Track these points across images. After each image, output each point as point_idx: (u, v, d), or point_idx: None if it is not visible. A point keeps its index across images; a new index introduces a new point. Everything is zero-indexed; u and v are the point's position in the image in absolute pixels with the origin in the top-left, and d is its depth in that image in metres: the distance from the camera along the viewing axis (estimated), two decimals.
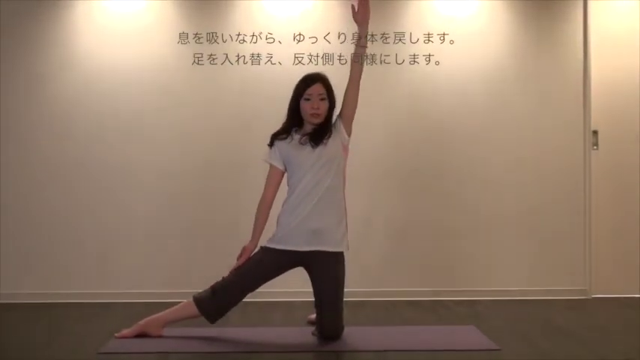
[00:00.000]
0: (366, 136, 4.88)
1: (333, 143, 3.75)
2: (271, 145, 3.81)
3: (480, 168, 5.04)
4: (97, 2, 4.96)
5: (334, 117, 3.82)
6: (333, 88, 3.80)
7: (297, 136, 3.77)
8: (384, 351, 3.56)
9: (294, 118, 3.78)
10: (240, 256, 3.78)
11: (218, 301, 3.71)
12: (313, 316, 4.03)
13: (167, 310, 3.82)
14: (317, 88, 3.72)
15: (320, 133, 3.74)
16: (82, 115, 4.95)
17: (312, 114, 3.71)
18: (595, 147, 5.09)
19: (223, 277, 3.76)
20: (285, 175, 3.83)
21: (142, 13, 4.98)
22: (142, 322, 3.80)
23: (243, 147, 4.94)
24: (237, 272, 3.73)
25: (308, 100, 3.71)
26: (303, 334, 3.87)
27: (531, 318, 4.37)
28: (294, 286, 4.73)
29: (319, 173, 3.70)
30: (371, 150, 4.97)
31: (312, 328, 3.86)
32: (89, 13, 4.96)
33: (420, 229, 5.02)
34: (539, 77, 5.07)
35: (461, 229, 5.03)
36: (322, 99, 3.72)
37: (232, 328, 4.06)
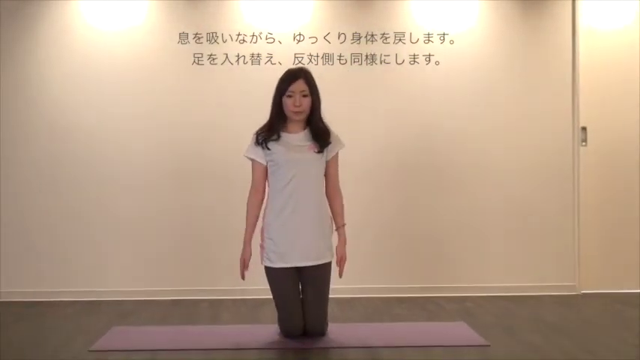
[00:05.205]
0: (364, 134, 4.91)
1: (320, 154, 3.71)
2: (257, 142, 3.74)
3: (470, 165, 5.04)
4: (98, 2, 4.93)
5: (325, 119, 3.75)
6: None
7: (286, 135, 3.72)
8: (374, 347, 3.56)
9: (280, 115, 3.72)
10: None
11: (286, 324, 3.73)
12: None
13: None
14: (299, 85, 3.67)
15: (317, 139, 3.69)
16: (81, 116, 4.91)
17: (295, 111, 3.67)
18: (584, 143, 5.10)
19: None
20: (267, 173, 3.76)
21: (142, 13, 4.95)
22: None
23: (243, 147, 4.89)
24: (276, 301, 3.73)
25: (290, 97, 3.67)
26: None
27: (520, 314, 4.39)
28: None
29: (305, 178, 3.66)
30: (368, 148, 4.96)
31: None
32: (89, 13, 4.92)
33: (410, 225, 5.02)
34: (527, 75, 5.05)
35: (450, 225, 5.03)
36: (304, 95, 3.67)
37: (221, 326, 4.07)
